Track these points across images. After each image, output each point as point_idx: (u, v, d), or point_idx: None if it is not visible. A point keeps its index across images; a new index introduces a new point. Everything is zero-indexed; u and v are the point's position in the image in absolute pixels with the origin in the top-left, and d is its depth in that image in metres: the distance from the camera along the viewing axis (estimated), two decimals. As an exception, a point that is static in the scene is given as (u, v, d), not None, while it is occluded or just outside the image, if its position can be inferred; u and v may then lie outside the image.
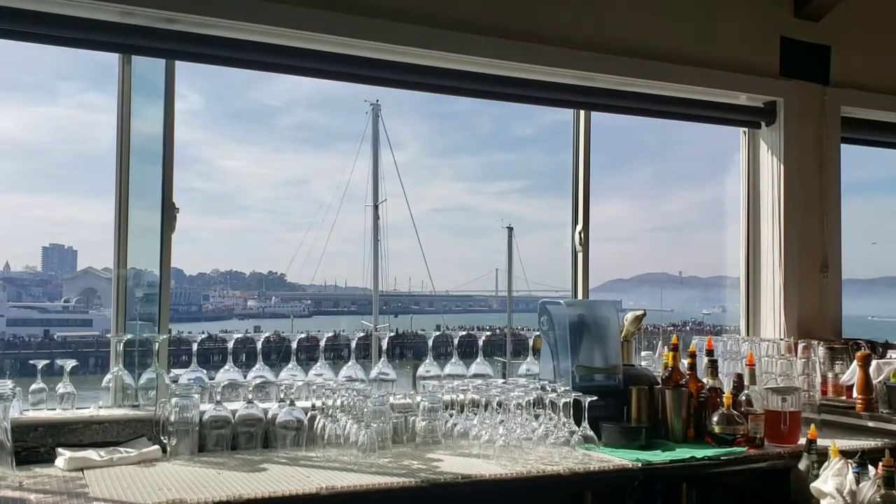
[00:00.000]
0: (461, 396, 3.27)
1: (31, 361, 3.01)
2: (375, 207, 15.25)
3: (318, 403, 3.06)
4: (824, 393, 3.85)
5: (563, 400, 3.10)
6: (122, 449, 2.86)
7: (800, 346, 3.85)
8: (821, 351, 3.91)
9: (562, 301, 3.62)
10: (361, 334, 3.49)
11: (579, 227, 4.10)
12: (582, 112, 4.10)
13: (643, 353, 3.97)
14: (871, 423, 3.56)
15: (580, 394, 3.14)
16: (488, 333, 3.69)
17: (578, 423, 3.13)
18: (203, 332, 3.28)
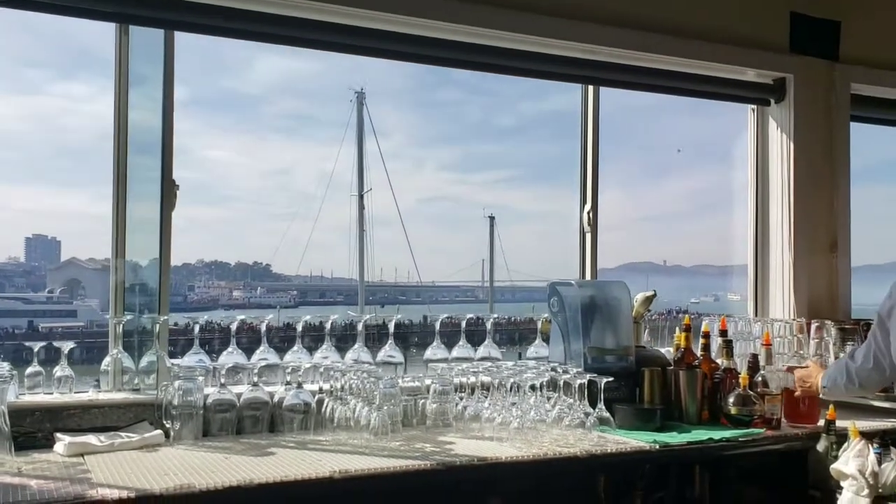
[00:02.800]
0: (472, 379, 3.17)
1: (28, 344, 2.89)
2: (361, 197, 15.14)
3: (326, 386, 2.97)
4: (836, 374, 3.79)
5: (579, 381, 3.01)
6: (123, 434, 2.76)
7: (813, 327, 3.78)
8: (832, 331, 3.85)
9: (573, 282, 3.54)
10: (368, 316, 3.40)
11: (588, 206, 4.01)
12: (590, 88, 4.01)
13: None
14: (886, 404, 3.50)
15: (596, 375, 3.05)
16: (495, 316, 3.58)
17: (592, 406, 3.05)
18: (200, 321, 3.18)
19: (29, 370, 2.86)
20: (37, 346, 2.90)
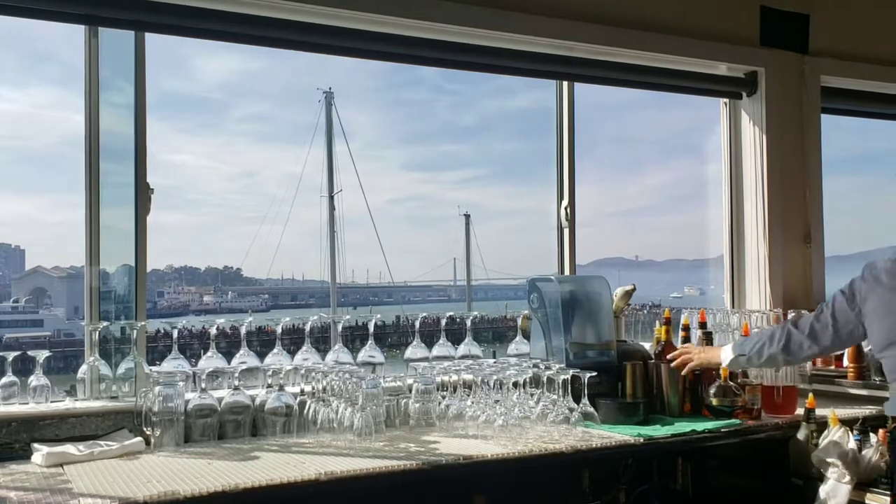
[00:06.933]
0: (454, 377, 3.16)
1: (0, 354, 2.84)
2: (331, 198, 15.06)
3: (308, 388, 2.94)
4: (812, 363, 3.82)
5: (562, 377, 3.01)
6: (102, 442, 2.70)
7: (789, 316, 3.81)
8: (808, 321, 3.87)
9: (553, 277, 3.53)
10: (347, 317, 3.37)
11: (565, 202, 4.00)
12: (565, 84, 4.01)
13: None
14: (864, 392, 3.54)
15: (579, 370, 3.05)
16: (475, 314, 3.57)
17: (576, 401, 3.05)
18: (178, 325, 3.13)
19: (3, 380, 2.80)
20: (10, 356, 2.84)
